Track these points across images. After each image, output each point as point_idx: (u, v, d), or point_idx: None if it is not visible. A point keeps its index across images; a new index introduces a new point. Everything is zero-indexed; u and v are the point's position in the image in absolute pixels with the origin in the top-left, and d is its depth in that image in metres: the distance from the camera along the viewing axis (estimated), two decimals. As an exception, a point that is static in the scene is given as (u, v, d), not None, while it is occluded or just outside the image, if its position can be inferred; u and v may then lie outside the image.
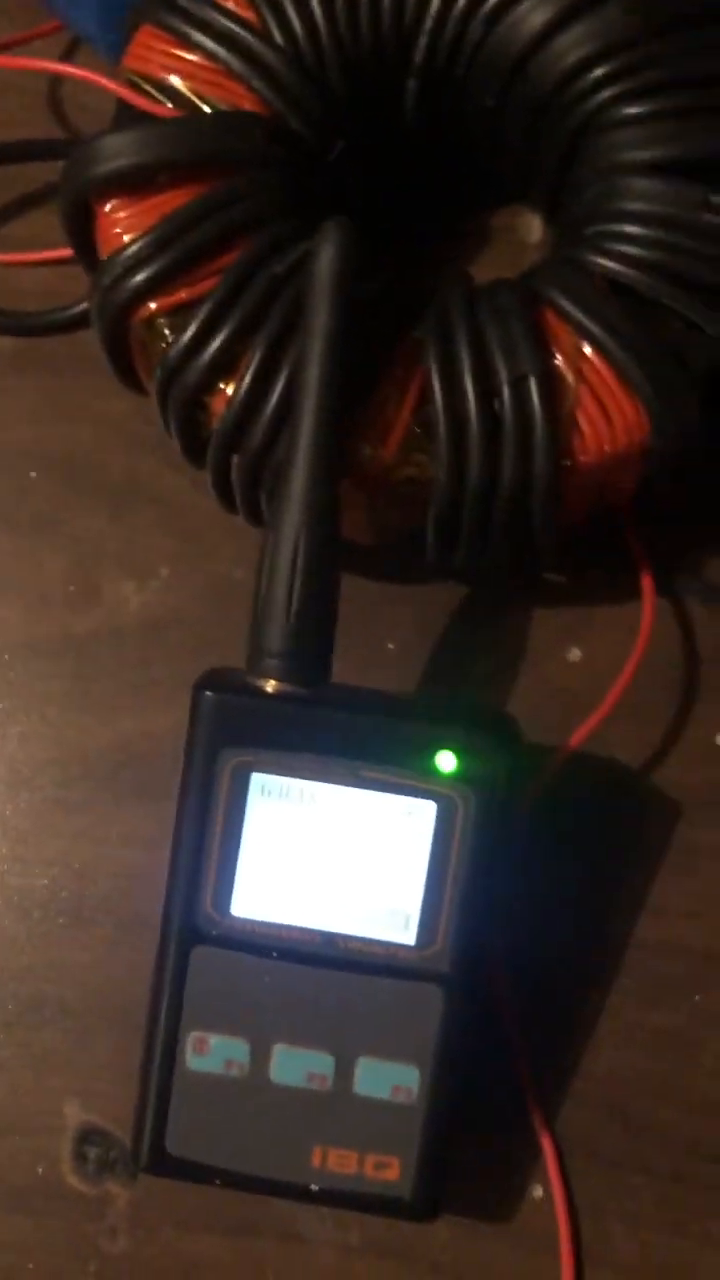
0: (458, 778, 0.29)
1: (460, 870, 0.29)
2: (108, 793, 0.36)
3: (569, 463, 0.31)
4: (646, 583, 0.35)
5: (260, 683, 0.30)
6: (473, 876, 0.29)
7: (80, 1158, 0.34)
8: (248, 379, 0.31)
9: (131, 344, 0.33)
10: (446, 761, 0.29)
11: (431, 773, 0.29)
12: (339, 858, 0.30)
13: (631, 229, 0.32)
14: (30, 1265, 0.34)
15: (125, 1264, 0.34)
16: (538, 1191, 0.34)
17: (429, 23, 0.33)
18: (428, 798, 0.29)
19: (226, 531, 0.37)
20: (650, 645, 0.35)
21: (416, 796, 0.29)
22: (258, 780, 0.29)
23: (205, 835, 0.29)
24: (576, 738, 0.34)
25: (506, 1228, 0.34)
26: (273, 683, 0.30)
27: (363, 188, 0.36)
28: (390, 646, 0.36)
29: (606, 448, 0.31)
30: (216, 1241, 0.34)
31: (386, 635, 0.36)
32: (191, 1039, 0.30)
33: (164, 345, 0.32)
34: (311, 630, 0.30)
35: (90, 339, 0.38)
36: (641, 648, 0.35)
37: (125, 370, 0.34)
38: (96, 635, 0.36)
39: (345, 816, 0.29)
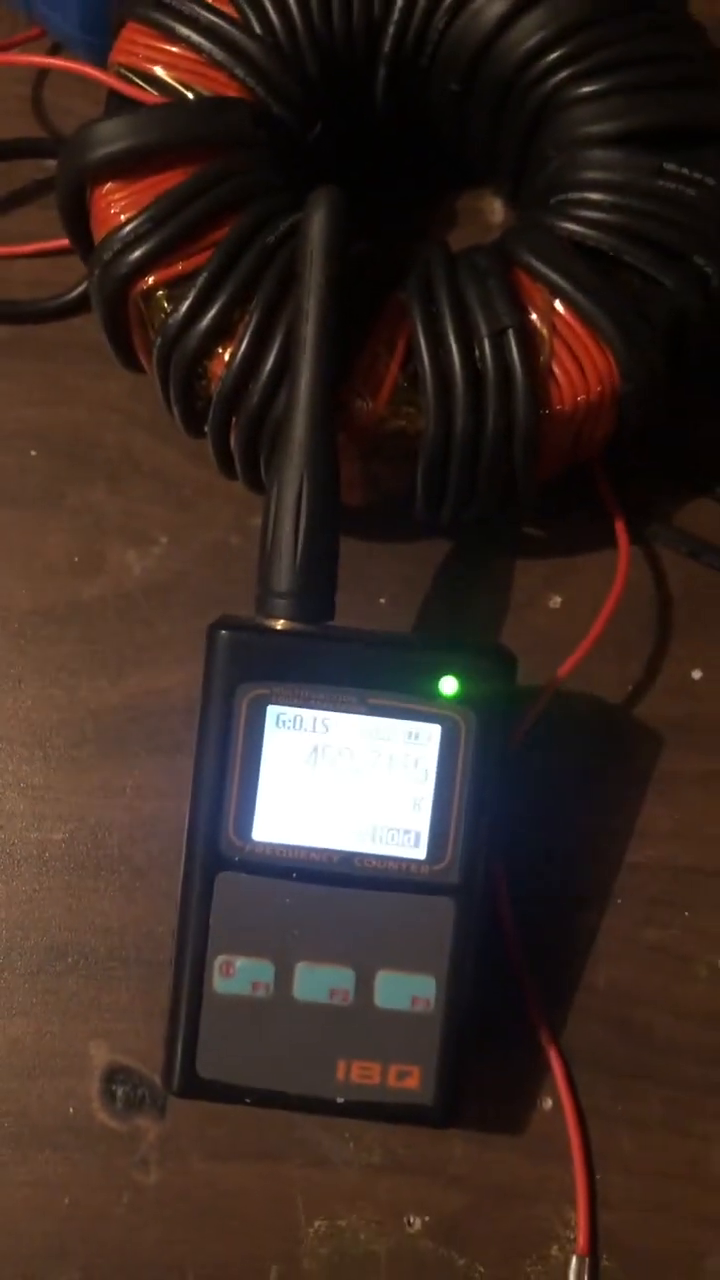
0: (460, 700, 0.31)
1: (465, 787, 0.31)
2: (120, 749, 0.37)
3: (547, 411, 0.34)
4: (620, 531, 0.38)
5: (271, 621, 0.32)
6: (477, 793, 0.31)
7: (109, 1095, 0.35)
8: (245, 340, 0.33)
9: (130, 319, 0.35)
10: (449, 685, 0.31)
11: (435, 697, 0.31)
12: (352, 781, 0.31)
13: (593, 195, 0.35)
14: (66, 1200, 0.35)
15: (157, 1194, 0.35)
16: (547, 1103, 0.36)
17: (396, 14, 0.36)
18: (432, 720, 0.31)
19: (221, 501, 0.39)
20: (626, 589, 0.37)
21: (422, 720, 0.31)
22: (273, 712, 0.31)
23: (226, 766, 0.31)
24: (563, 670, 0.36)
25: (519, 1139, 0.35)
26: (282, 620, 0.31)
27: (341, 169, 0.39)
28: (382, 601, 0.38)
29: (580, 396, 0.34)
30: (245, 1169, 0.35)
31: (379, 591, 0.38)
32: (219, 963, 0.31)
33: (163, 316, 0.34)
34: (316, 569, 0.31)
35: (83, 324, 0.40)
36: (618, 591, 0.37)
37: (123, 346, 0.36)
38: (102, 601, 0.38)
39: (356, 742, 0.31)
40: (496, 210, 0.41)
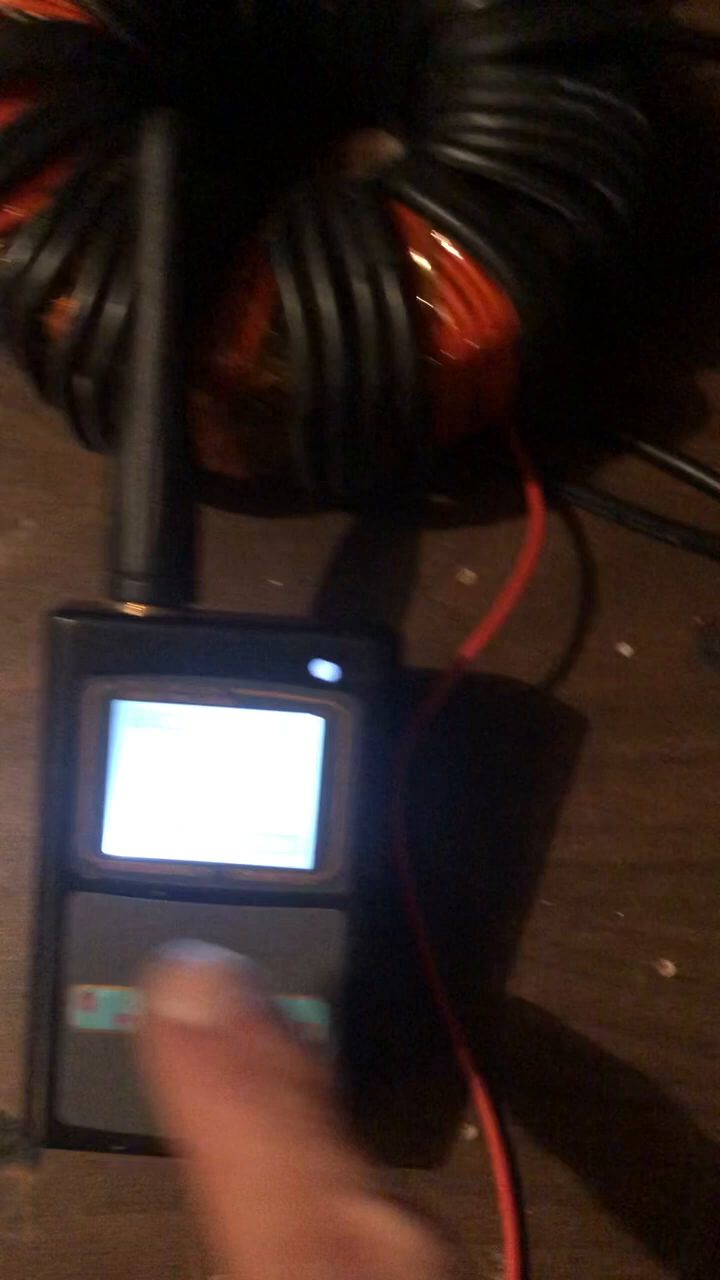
0: (339, 687, 0.27)
1: (352, 784, 0.28)
2: (-18, 756, 0.34)
3: (435, 359, 0.30)
4: (534, 495, 0.34)
5: (121, 606, 0.28)
6: (366, 789, 0.28)
7: (-23, 1144, 0.32)
8: (85, 291, 0.29)
9: (-31, 276, 0.32)
10: (326, 670, 0.27)
11: (311, 684, 0.27)
12: (220, 784, 0.28)
13: (482, 119, 0.31)
14: (-71, 1265, 0.31)
15: (34, 1254, 0.31)
16: (470, 1132, 0.32)
17: None
18: (310, 711, 0.28)
19: (92, 477, 0.35)
20: (544, 560, 0.34)
21: (298, 711, 0.28)
22: (125, 708, 0.27)
23: (73, 771, 0.27)
24: (470, 649, 0.32)
25: (438, 1174, 0.32)
26: (134, 605, 0.28)
27: (210, 107, 0.35)
28: (276, 583, 0.35)
29: (474, 343, 0.30)
30: (133, 1221, 0.32)
31: (270, 572, 0.35)
32: (77, 995, 0.28)
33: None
34: (170, 545, 0.28)
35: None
36: (530, 559, 0.33)
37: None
38: (-39, 593, 0.35)
39: (224, 740, 0.28)
40: (391, 151, 0.38)
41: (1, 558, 0.35)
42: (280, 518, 0.35)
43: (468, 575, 0.35)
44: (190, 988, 0.22)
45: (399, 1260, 0.18)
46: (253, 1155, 0.20)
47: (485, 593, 0.34)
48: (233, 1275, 0.19)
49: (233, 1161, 0.20)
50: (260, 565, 0.35)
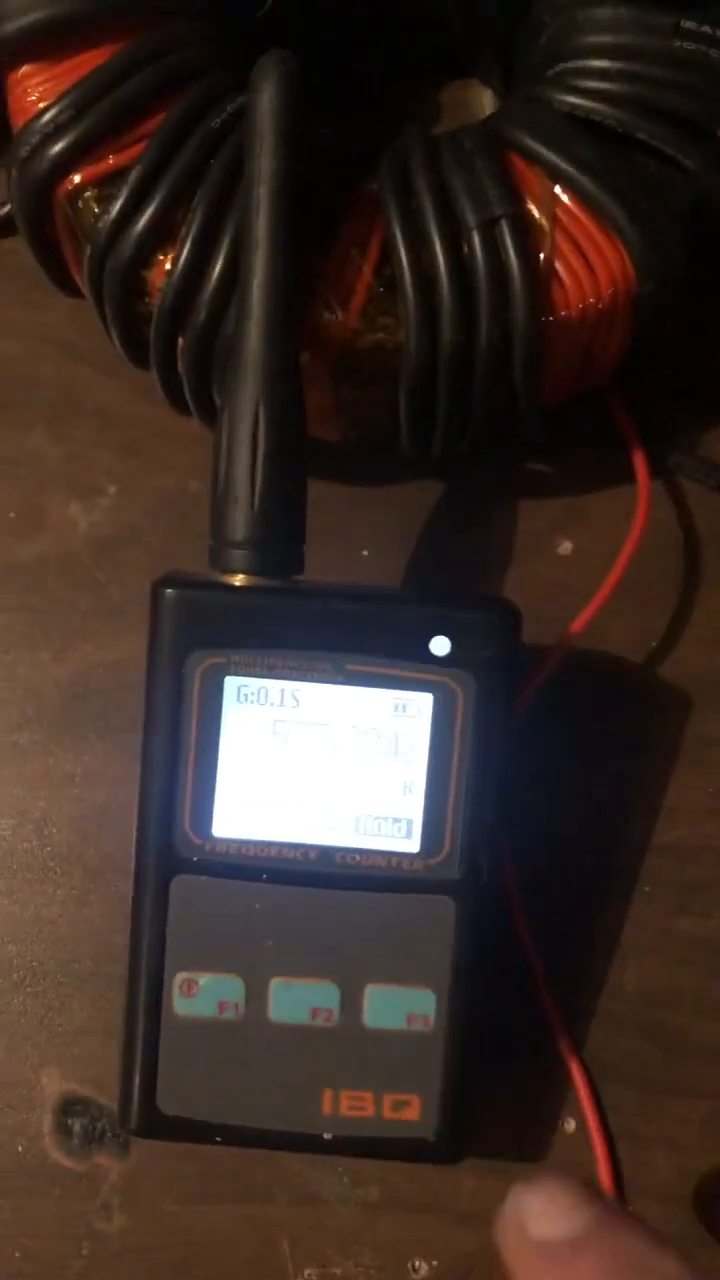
0: (454, 663, 0.26)
1: (464, 766, 0.26)
2: (66, 731, 0.32)
3: (550, 317, 0.28)
4: (639, 463, 0.33)
5: (227, 577, 0.27)
6: (478, 772, 0.26)
7: (64, 1131, 0.31)
8: (188, 244, 0.28)
9: (58, 226, 0.30)
10: (441, 646, 0.26)
11: (425, 660, 0.26)
12: (329, 763, 0.27)
13: (598, 63, 0.29)
14: (16, 1254, 0.31)
15: (123, 1243, 0.31)
16: (570, 1125, 0.31)
17: None
18: (423, 688, 0.26)
19: (176, 442, 0.34)
20: (646, 531, 0.32)
21: (410, 689, 0.26)
22: (232, 683, 0.26)
23: (178, 750, 0.26)
24: (577, 625, 0.31)
25: (540, 1167, 0.31)
26: (241, 575, 0.26)
27: (301, 53, 0.33)
28: (365, 553, 0.33)
29: (590, 299, 0.29)
30: (223, 1211, 0.31)
31: (361, 542, 0.33)
32: (178, 981, 0.27)
33: (93, 220, 0.29)
34: (279, 514, 0.27)
35: (13, 247, 0.35)
36: (637, 533, 0.32)
37: (52, 261, 0.31)
38: (43, 562, 0.33)
39: (333, 717, 0.26)
40: (486, 103, 0.36)
41: (83, 524, 0.33)
42: (369, 485, 0.34)
43: (565, 546, 0.34)
44: (554, 1203, 0.22)
45: None
46: None
47: (583, 564, 0.33)
48: None
49: None
50: (350, 534, 0.33)
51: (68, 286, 0.32)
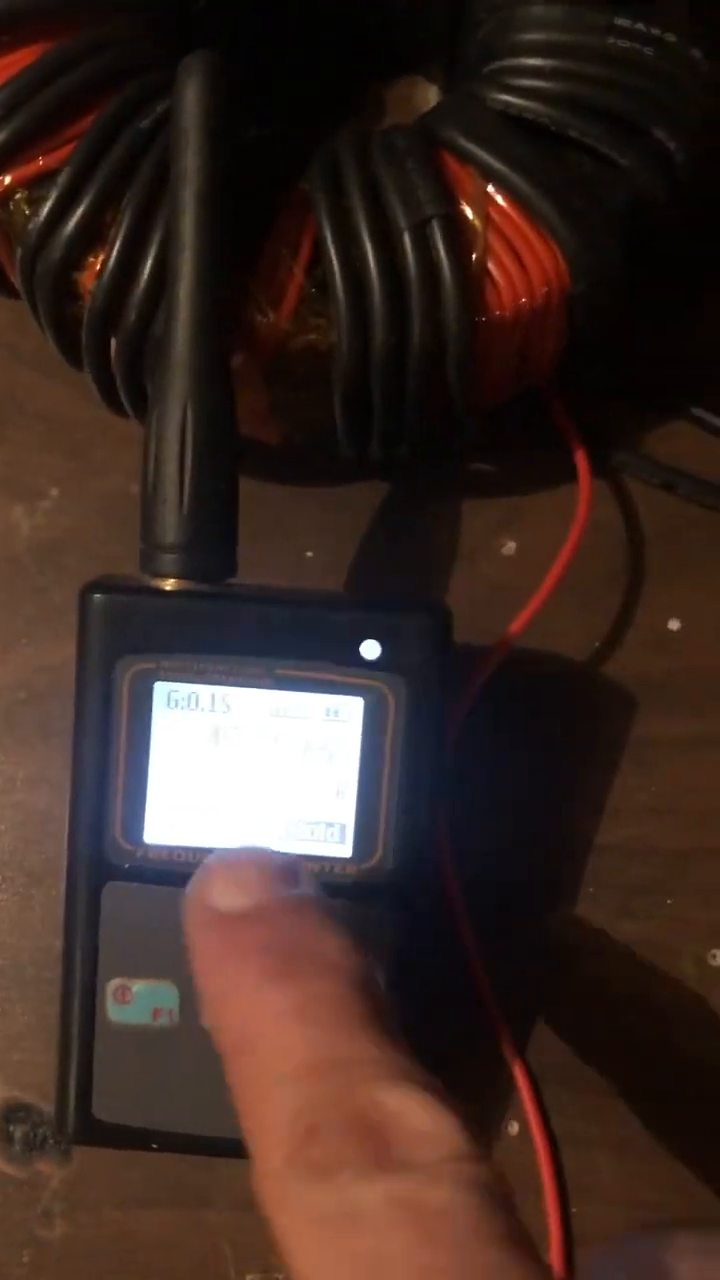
0: (385, 667, 0.26)
1: (396, 769, 0.26)
2: (7, 736, 0.32)
3: (483, 318, 0.28)
4: (581, 462, 0.33)
5: (157, 581, 0.26)
6: (411, 775, 0.26)
7: (5, 1137, 0.31)
8: (117, 245, 0.27)
9: (-11, 228, 0.30)
10: (371, 650, 0.26)
11: (356, 664, 0.26)
12: (261, 768, 0.26)
13: (532, 61, 0.29)
14: (-43, 1262, 0.30)
15: (64, 1250, 0.30)
16: (513, 1127, 0.31)
17: None
18: (353, 692, 0.26)
19: (119, 444, 0.33)
20: (590, 529, 0.32)
21: (341, 693, 0.26)
22: (162, 689, 0.26)
23: (108, 756, 0.26)
24: (516, 625, 0.31)
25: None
26: (171, 580, 0.26)
27: (243, 53, 0.33)
28: (309, 555, 0.33)
29: (524, 299, 0.28)
30: (164, 1217, 0.31)
31: (305, 543, 0.33)
32: (112, 988, 0.27)
33: (24, 221, 0.28)
34: (209, 517, 0.26)
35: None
36: (578, 531, 0.32)
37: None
38: (-16, 565, 0.33)
39: (264, 722, 0.26)
40: (430, 98, 0.36)
41: (25, 528, 0.33)
42: (314, 486, 0.33)
43: (509, 546, 0.33)
44: (233, 877, 0.22)
45: (423, 1147, 0.18)
46: (283, 1036, 0.19)
47: (527, 564, 0.33)
48: (253, 1156, 0.19)
49: (262, 1041, 0.20)
50: (293, 535, 0.33)
51: (5, 288, 0.32)
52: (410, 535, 0.33)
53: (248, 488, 0.33)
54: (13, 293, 0.32)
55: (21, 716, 0.32)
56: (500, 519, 0.33)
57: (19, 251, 0.29)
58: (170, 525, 0.26)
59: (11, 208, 0.28)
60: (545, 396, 0.33)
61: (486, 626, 0.32)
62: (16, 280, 0.29)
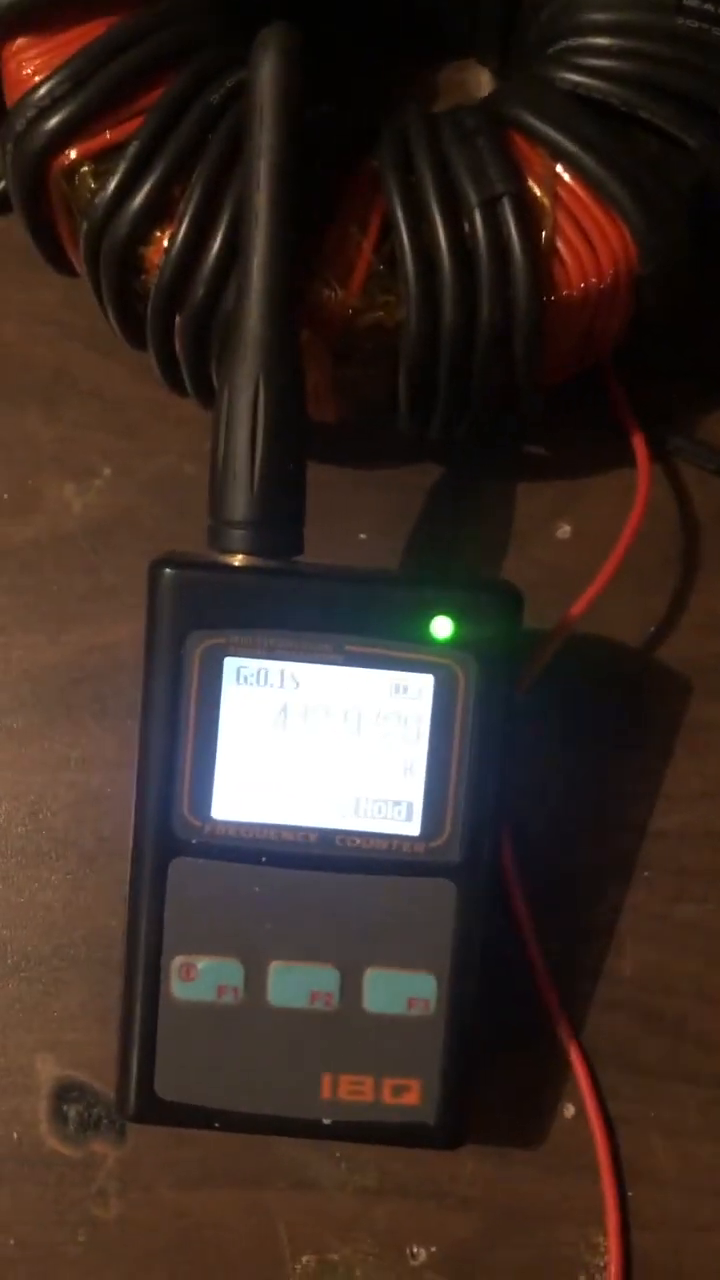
0: (456, 644, 0.26)
1: (465, 748, 0.26)
2: (61, 715, 0.32)
3: (552, 296, 0.28)
4: (638, 446, 0.32)
5: (226, 557, 0.26)
6: (480, 754, 0.26)
7: (59, 1117, 0.31)
8: (186, 220, 0.27)
9: (53, 204, 0.30)
10: (443, 627, 0.26)
11: (427, 641, 0.26)
12: (329, 745, 0.26)
13: (599, 40, 0.29)
14: (11, 1241, 0.30)
15: (120, 1230, 0.30)
16: (569, 1110, 0.31)
17: None
18: (424, 670, 0.26)
19: (172, 422, 0.33)
20: (646, 514, 0.32)
21: (411, 670, 0.26)
22: (231, 664, 0.26)
23: (176, 731, 0.26)
24: (576, 609, 0.31)
25: (538, 1153, 0.31)
26: (240, 555, 0.26)
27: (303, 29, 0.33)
28: (362, 537, 0.33)
29: (593, 278, 0.28)
30: (220, 1196, 0.30)
31: (358, 524, 0.33)
32: (176, 965, 0.27)
33: (89, 196, 0.28)
34: (278, 493, 0.26)
35: (7, 226, 0.34)
36: (637, 516, 0.32)
37: (48, 239, 0.31)
38: (37, 544, 0.33)
39: (333, 698, 0.26)
40: (484, 84, 0.36)
41: (77, 506, 0.33)
42: (368, 467, 0.33)
43: (564, 529, 0.33)
44: None
45: None
46: None
47: (582, 547, 0.33)
48: None
49: None
50: (348, 515, 0.33)
51: (63, 265, 0.32)
52: (464, 518, 0.33)
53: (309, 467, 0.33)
54: (68, 270, 0.32)
55: (75, 696, 0.32)
56: (555, 502, 0.33)
57: (84, 225, 0.28)
58: (240, 502, 0.26)
59: (77, 181, 0.28)
60: (604, 378, 0.33)
61: (542, 611, 0.31)
62: (79, 256, 0.29)
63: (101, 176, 0.28)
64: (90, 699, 0.32)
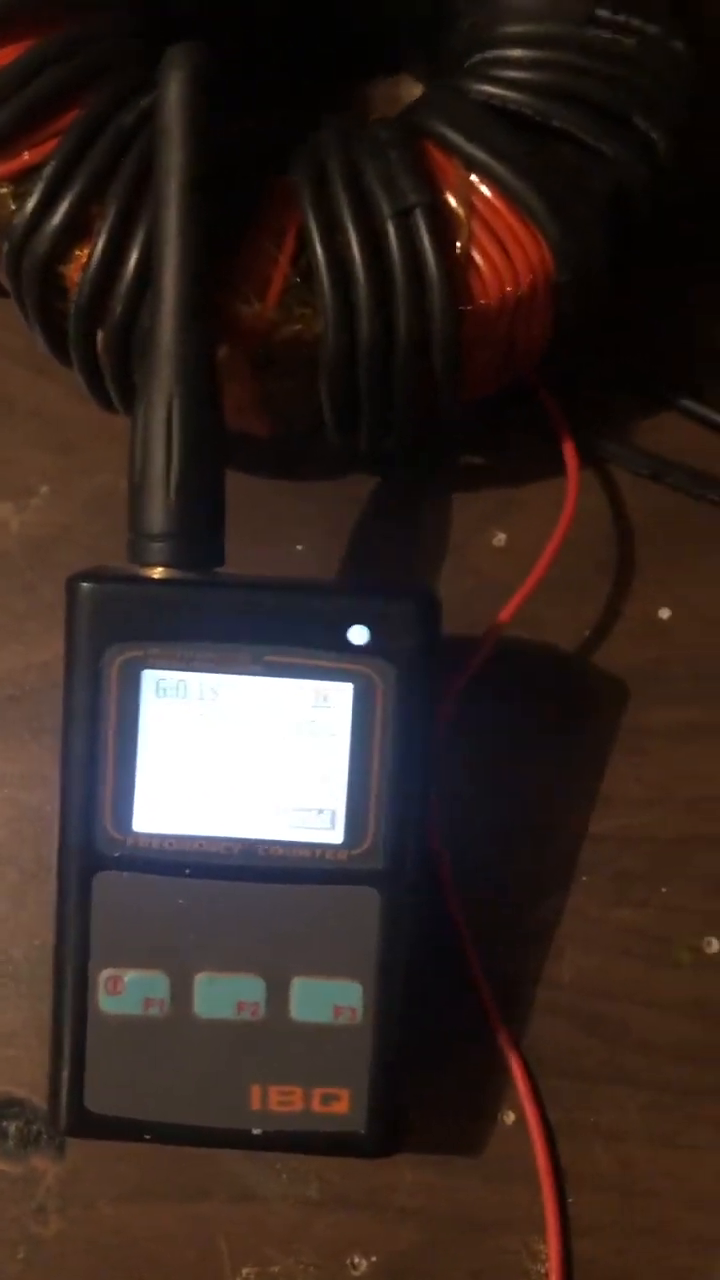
0: (374, 652, 0.26)
1: (385, 755, 0.26)
2: (-1, 732, 0.32)
3: (469, 307, 0.28)
4: (569, 452, 0.33)
5: (145, 570, 0.26)
6: (400, 760, 0.26)
7: (-1, 1133, 0.31)
8: (102, 238, 0.27)
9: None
10: (359, 635, 0.26)
11: (344, 650, 0.26)
12: (250, 756, 0.26)
13: (514, 52, 0.30)
14: (-49, 1259, 0.30)
15: (60, 1247, 0.30)
16: (509, 1116, 0.31)
17: None
18: (342, 678, 0.26)
19: (109, 441, 0.33)
20: (580, 521, 0.32)
21: (330, 679, 0.26)
22: (150, 677, 0.26)
23: (97, 745, 0.26)
24: (505, 613, 0.31)
25: (478, 1161, 0.31)
26: (159, 569, 0.26)
27: (226, 51, 0.33)
28: (299, 548, 0.33)
29: (509, 287, 0.29)
30: (160, 1211, 0.30)
31: (295, 536, 0.33)
32: (104, 978, 0.27)
33: (9, 216, 0.28)
34: (196, 505, 0.26)
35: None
36: (566, 521, 0.32)
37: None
38: (-26, 562, 0.33)
39: (253, 709, 0.26)
40: (417, 95, 0.36)
41: (15, 524, 0.33)
42: (304, 480, 0.33)
43: (499, 537, 0.33)
44: None
45: None
46: None
47: (518, 556, 0.33)
48: None
49: None
50: (283, 529, 0.33)
51: (-7, 286, 0.32)
52: (400, 528, 0.34)
53: (236, 482, 0.33)
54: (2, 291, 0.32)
55: (13, 714, 0.32)
56: (490, 511, 0.33)
57: (5, 246, 0.29)
58: (157, 514, 0.26)
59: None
60: (534, 387, 0.33)
61: (478, 619, 0.32)
62: (2, 276, 0.30)
63: (20, 198, 0.28)
64: (28, 717, 0.32)
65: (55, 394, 0.34)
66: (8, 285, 0.30)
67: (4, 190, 0.28)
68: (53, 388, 0.34)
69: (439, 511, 0.34)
